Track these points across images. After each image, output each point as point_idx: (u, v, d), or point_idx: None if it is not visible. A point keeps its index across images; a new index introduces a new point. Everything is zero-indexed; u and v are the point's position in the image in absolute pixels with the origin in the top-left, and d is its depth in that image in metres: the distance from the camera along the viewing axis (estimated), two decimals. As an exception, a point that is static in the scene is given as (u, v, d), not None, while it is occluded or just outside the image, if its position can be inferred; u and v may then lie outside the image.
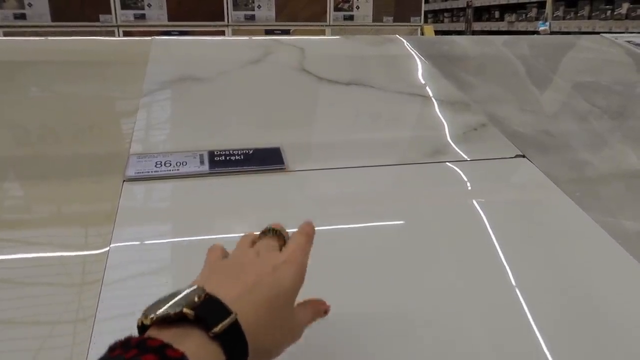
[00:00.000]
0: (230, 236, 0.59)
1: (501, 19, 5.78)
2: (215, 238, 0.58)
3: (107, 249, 0.54)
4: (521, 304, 0.52)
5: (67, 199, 0.64)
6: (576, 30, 4.32)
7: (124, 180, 0.66)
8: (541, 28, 4.30)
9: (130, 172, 0.67)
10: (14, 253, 0.55)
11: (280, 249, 0.39)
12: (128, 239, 0.57)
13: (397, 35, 1.27)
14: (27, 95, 0.89)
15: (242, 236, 0.41)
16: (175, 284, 0.52)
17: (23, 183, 0.68)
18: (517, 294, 0.53)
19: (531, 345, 0.48)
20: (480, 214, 0.65)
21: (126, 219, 0.60)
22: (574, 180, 0.74)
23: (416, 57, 1.14)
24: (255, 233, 0.41)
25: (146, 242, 0.57)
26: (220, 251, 0.40)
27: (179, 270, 0.53)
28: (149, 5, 2.82)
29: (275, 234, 0.40)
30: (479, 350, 0.47)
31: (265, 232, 0.40)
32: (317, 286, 0.52)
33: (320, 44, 1.21)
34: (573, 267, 0.58)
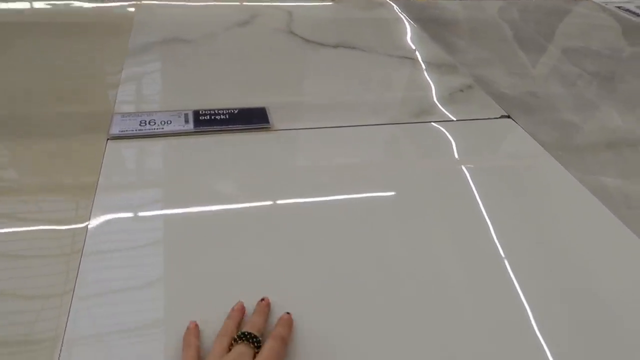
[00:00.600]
0: (217, 208, 0.59)
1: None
2: (201, 196, 0.59)
3: (89, 212, 0.54)
4: (502, 256, 0.53)
5: (51, 157, 0.64)
6: None
7: (108, 139, 0.66)
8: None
9: (114, 131, 0.67)
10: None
11: (254, 356, 0.38)
12: (111, 200, 0.57)
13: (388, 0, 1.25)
14: (12, 58, 0.87)
15: (218, 335, 0.40)
16: (158, 248, 0.52)
17: (6, 142, 0.67)
18: (497, 245, 0.54)
19: (509, 293, 0.49)
20: (464, 173, 0.66)
21: (110, 177, 0.60)
22: (557, 140, 0.74)
23: (405, 20, 1.13)
24: (231, 332, 0.41)
25: (130, 202, 0.57)
26: (196, 352, 0.39)
27: (163, 234, 0.53)
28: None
29: (250, 339, 0.39)
30: (463, 302, 0.48)
31: (240, 337, 0.39)
32: (305, 253, 0.53)
33: (308, 8, 1.19)
34: (553, 222, 0.59)
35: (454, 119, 0.76)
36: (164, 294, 0.46)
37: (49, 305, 0.45)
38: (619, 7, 1.31)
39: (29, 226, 0.53)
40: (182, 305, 0.45)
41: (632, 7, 1.30)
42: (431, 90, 0.84)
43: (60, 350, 0.41)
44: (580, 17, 1.31)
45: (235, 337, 0.40)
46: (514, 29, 1.16)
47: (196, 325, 0.42)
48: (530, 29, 1.17)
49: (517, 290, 0.50)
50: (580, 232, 0.58)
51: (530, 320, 0.47)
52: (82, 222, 0.53)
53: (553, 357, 0.44)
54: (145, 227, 0.53)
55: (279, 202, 0.58)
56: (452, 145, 0.71)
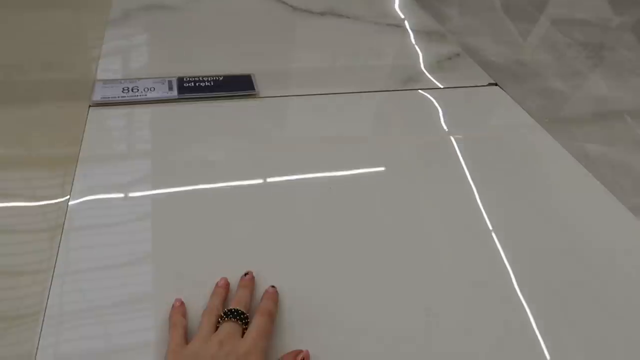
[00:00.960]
0: (202, 178, 0.59)
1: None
2: (186, 166, 0.58)
3: (70, 185, 0.53)
4: (487, 223, 0.53)
5: (33, 124, 0.62)
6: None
7: (90, 105, 0.65)
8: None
9: (97, 97, 0.66)
10: None
11: (243, 333, 0.38)
12: (93, 171, 0.56)
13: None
14: (-12, 24, 0.85)
15: (205, 313, 0.40)
16: (143, 222, 0.52)
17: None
18: (482, 213, 0.55)
19: (495, 258, 0.50)
20: (451, 141, 0.65)
21: (92, 146, 0.59)
22: (543, 106, 0.74)
23: (394, -11, 1.11)
24: (217, 309, 0.40)
25: (112, 173, 0.56)
26: (183, 330, 0.39)
27: (147, 208, 0.53)
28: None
29: (237, 316, 0.39)
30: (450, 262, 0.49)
31: (227, 314, 0.39)
32: (291, 225, 0.53)
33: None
34: (537, 185, 0.59)
35: (442, 87, 0.76)
36: (151, 269, 0.45)
37: (32, 281, 0.44)
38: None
39: (10, 202, 0.52)
40: (169, 279, 0.44)
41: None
42: (419, 58, 0.84)
43: (42, 325, 0.40)
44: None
45: (222, 314, 0.39)
46: (503, -2, 1.15)
47: (182, 303, 0.42)
48: (520, -2, 1.16)
49: (501, 254, 0.50)
50: (565, 198, 0.58)
51: (512, 282, 0.47)
52: (63, 196, 0.52)
53: (534, 318, 0.44)
54: (128, 200, 0.52)
55: (264, 172, 0.58)
56: (439, 113, 0.71)
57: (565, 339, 0.43)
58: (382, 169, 0.60)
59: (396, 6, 1.03)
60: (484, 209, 0.55)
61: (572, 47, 0.95)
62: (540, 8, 1.14)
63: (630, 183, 0.61)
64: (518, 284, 0.47)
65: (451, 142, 0.65)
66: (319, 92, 0.72)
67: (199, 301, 0.42)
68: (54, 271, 0.44)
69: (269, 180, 0.57)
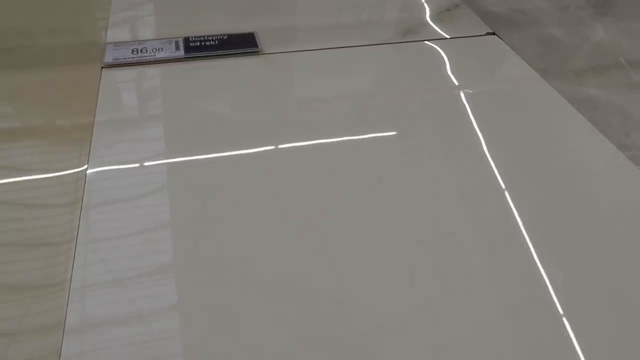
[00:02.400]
0: (214, 141, 0.62)
1: None
2: (198, 125, 0.61)
3: (87, 154, 0.55)
4: (496, 177, 0.56)
5: (47, 88, 0.66)
6: None
7: (102, 67, 0.68)
8: None
9: (108, 59, 0.69)
10: None
11: None
12: (110, 137, 0.58)
13: None
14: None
15: None
16: (162, 193, 0.55)
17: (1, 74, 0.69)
18: (486, 160, 0.58)
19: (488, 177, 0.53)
20: (448, 92, 0.68)
21: (107, 107, 0.62)
22: (539, 53, 0.76)
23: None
24: None
25: (128, 139, 0.58)
26: None
27: (164, 175, 0.56)
28: None
29: None
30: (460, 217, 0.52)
31: None
32: (303, 189, 0.55)
33: None
34: (532, 131, 0.62)
35: (438, 39, 0.78)
36: (170, 235, 0.47)
37: (56, 251, 0.46)
38: None
39: (29, 175, 0.54)
40: (189, 246, 0.47)
41: None
42: (418, 11, 0.85)
43: (69, 293, 0.43)
44: None
45: None
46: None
47: None
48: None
49: (513, 211, 0.53)
50: (554, 136, 0.61)
51: (522, 233, 0.51)
52: (81, 166, 0.54)
53: (543, 267, 0.48)
54: (145, 167, 0.55)
55: (272, 133, 0.60)
56: (436, 65, 0.73)
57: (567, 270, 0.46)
58: (388, 125, 0.63)
59: (397, -41, 1.03)
60: (491, 160, 0.58)
61: (573, -6, 0.95)
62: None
63: (619, 122, 0.64)
64: (526, 229, 0.50)
65: (448, 94, 0.67)
66: (321, 47, 0.74)
67: (220, 263, 0.46)
68: (76, 241, 0.46)
69: (276, 139, 0.59)
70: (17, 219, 0.49)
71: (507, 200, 0.52)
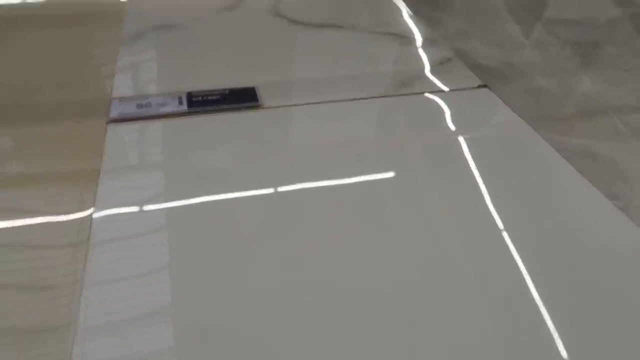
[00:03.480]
0: (215, 188, 0.64)
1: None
2: (199, 176, 0.63)
3: (93, 200, 0.58)
4: (495, 222, 0.58)
5: (54, 142, 0.68)
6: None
7: (107, 122, 0.71)
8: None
9: (113, 114, 0.72)
10: (4, 215, 0.57)
11: None
12: (115, 185, 0.61)
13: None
14: (11, 50, 0.91)
15: None
16: (163, 234, 0.57)
17: (8, 131, 0.71)
18: (492, 212, 0.60)
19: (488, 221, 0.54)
20: (446, 143, 0.70)
21: (112, 160, 0.64)
22: (529, 104, 0.79)
23: (389, -2, 1.16)
24: None
25: (133, 187, 0.61)
26: None
27: (166, 219, 0.58)
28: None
29: None
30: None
31: None
32: (304, 233, 0.57)
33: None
34: (522, 180, 0.64)
35: (433, 91, 0.81)
36: (170, 281, 0.49)
37: (59, 294, 0.47)
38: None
39: (35, 217, 0.56)
40: (189, 291, 0.48)
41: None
42: (412, 65, 0.89)
43: (74, 337, 0.43)
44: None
45: None
46: (496, 2, 1.20)
47: None
48: (512, 1, 1.21)
49: (508, 257, 0.55)
50: (545, 186, 0.63)
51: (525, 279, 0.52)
52: (87, 210, 0.56)
53: (548, 313, 0.49)
54: (148, 212, 0.57)
55: (272, 179, 0.62)
56: (430, 116, 0.75)
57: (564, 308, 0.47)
58: (386, 173, 0.65)
59: (391, 14, 1.08)
60: (486, 208, 0.60)
61: (558, 46, 1.00)
62: (532, 10, 1.18)
63: (608, 172, 0.66)
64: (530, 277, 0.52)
65: (443, 144, 0.70)
66: (320, 101, 0.77)
67: (220, 310, 0.47)
68: (80, 284, 0.48)
69: (276, 186, 0.61)
70: (23, 261, 0.50)
71: (501, 245, 0.54)
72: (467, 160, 0.67)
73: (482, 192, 0.62)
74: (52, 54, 0.89)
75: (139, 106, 0.73)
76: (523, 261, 0.53)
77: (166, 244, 0.53)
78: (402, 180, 0.63)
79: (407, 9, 1.11)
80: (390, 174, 0.64)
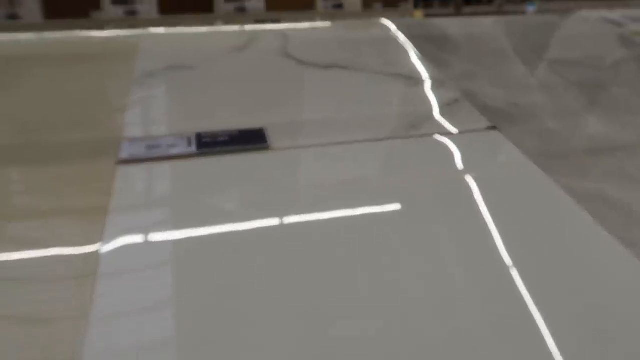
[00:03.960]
0: (222, 227, 0.64)
1: (490, 2, 5.79)
2: (207, 216, 0.63)
3: (101, 235, 0.58)
4: (504, 261, 0.57)
5: (63, 181, 0.68)
6: (564, 11, 4.34)
7: (117, 163, 0.71)
8: (530, 9, 4.32)
9: (123, 155, 0.72)
10: (12, 248, 0.58)
11: None
12: (123, 222, 0.61)
13: (382, 19, 1.31)
14: (23, 89, 0.93)
15: None
16: (169, 269, 0.57)
17: (18, 169, 0.72)
18: (500, 251, 0.59)
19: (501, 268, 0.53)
20: (454, 185, 0.70)
21: (121, 199, 0.64)
22: (538, 146, 0.78)
23: (398, 39, 1.18)
24: None
25: (141, 224, 0.61)
26: None
27: (173, 255, 0.58)
28: (140, 0, 2.85)
29: None
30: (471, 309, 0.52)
31: None
32: (311, 270, 0.57)
33: (304, 31, 1.25)
34: (534, 225, 0.63)
35: (443, 133, 0.81)
36: (176, 314, 0.49)
37: (64, 328, 0.47)
38: (604, 19, 1.36)
39: (42, 250, 0.56)
40: (194, 325, 0.48)
41: (616, 17, 1.35)
42: (420, 106, 0.89)
43: None
44: (567, 29, 1.36)
45: None
46: (503, 43, 1.21)
47: None
48: (518, 42, 1.22)
49: (521, 302, 0.54)
50: (558, 232, 0.62)
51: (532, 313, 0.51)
52: (94, 245, 0.57)
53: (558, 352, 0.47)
54: (156, 248, 0.57)
55: (280, 222, 0.62)
56: (440, 159, 0.75)
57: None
58: (394, 212, 0.64)
59: (399, 57, 1.10)
60: (502, 249, 0.59)
61: (565, 88, 1.00)
62: (537, 51, 1.20)
63: (622, 217, 0.65)
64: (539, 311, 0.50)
65: (453, 185, 0.69)
66: (329, 142, 0.78)
67: (224, 343, 0.46)
68: (87, 318, 0.48)
69: (283, 227, 0.61)
70: (27, 293, 0.51)
71: (511, 288, 0.53)
72: (477, 202, 0.66)
73: (493, 234, 0.61)
74: (64, 93, 0.91)
75: (149, 147, 0.73)
76: (535, 306, 0.51)
77: (172, 279, 0.53)
78: (412, 221, 0.62)
79: (414, 50, 1.12)
80: (400, 215, 0.63)
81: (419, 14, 3.18)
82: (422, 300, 0.52)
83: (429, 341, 0.48)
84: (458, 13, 5.18)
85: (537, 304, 0.52)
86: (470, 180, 0.71)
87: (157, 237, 0.59)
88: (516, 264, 0.57)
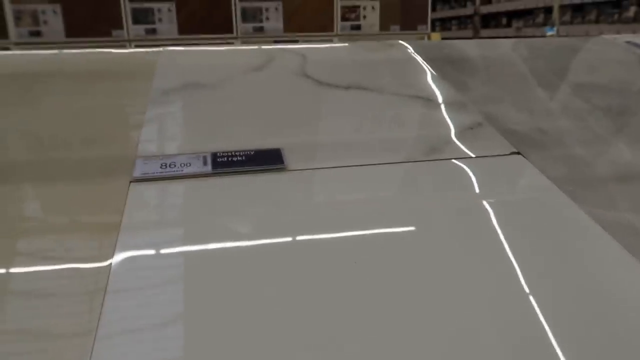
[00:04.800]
0: (235, 247, 0.62)
1: (509, 25, 5.79)
2: (220, 236, 0.61)
3: (112, 251, 0.57)
4: (528, 297, 0.54)
5: (76, 198, 0.67)
6: (583, 34, 4.33)
7: (130, 181, 0.69)
8: (548, 33, 4.30)
9: (137, 174, 0.70)
10: (23, 262, 0.58)
11: None
12: (135, 240, 0.60)
13: (400, 40, 1.30)
14: (39, 105, 0.93)
15: None
16: (180, 287, 0.55)
17: (32, 185, 0.71)
18: (521, 283, 0.55)
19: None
20: (475, 210, 0.67)
21: (133, 217, 0.63)
22: (565, 174, 0.75)
23: (417, 61, 1.16)
24: None
25: (153, 242, 0.60)
26: None
27: (184, 273, 0.56)
28: (160, 20, 2.90)
29: None
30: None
31: None
32: (323, 292, 0.55)
33: (322, 51, 1.24)
34: (562, 255, 0.60)
35: (464, 157, 0.78)
36: (184, 332, 0.48)
37: (73, 343, 0.46)
38: (628, 42, 1.33)
39: (54, 265, 0.56)
40: (203, 344, 0.47)
41: (639, 41, 1.32)
42: (441, 129, 0.87)
43: None
44: (589, 52, 1.33)
45: None
46: (524, 66, 1.19)
47: None
48: (540, 65, 1.20)
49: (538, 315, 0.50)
50: (592, 264, 0.59)
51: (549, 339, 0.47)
52: (105, 261, 0.56)
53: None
54: (167, 266, 0.56)
55: (295, 241, 0.61)
56: (463, 184, 0.73)
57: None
58: (412, 236, 0.62)
59: (418, 77, 1.08)
60: (522, 275, 0.56)
61: (591, 112, 0.97)
62: (559, 74, 1.17)
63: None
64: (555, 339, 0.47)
65: (475, 211, 0.67)
66: (347, 165, 0.75)
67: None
68: (96, 333, 0.47)
69: (297, 248, 0.59)
70: (36, 307, 0.50)
71: (534, 322, 0.49)
72: (502, 229, 0.63)
73: (516, 261, 0.57)
74: (80, 109, 0.90)
75: (163, 166, 0.72)
76: (559, 337, 0.48)
77: (182, 298, 0.51)
78: (432, 247, 0.59)
79: (434, 72, 1.10)
80: (419, 241, 0.60)
81: (436, 36, 3.18)
82: (435, 327, 0.49)
83: (453, 380, 0.45)
84: (476, 36, 5.19)
85: (560, 334, 0.49)
86: (495, 204, 0.68)
87: (168, 255, 0.57)
88: (537, 293, 0.54)
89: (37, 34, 2.79)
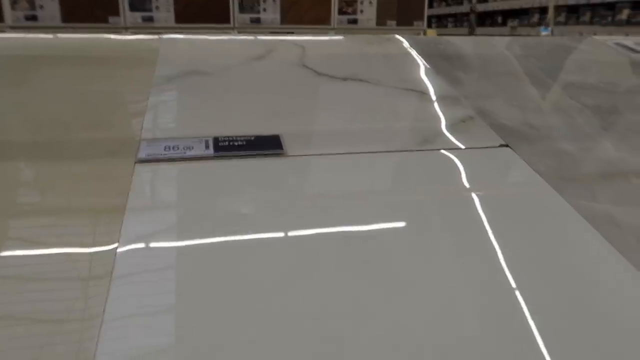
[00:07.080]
0: (235, 229, 0.64)
1: (504, 24, 5.84)
2: (221, 217, 0.64)
3: (118, 234, 0.59)
4: (510, 282, 0.58)
5: (81, 179, 0.69)
6: (577, 35, 4.38)
7: (135, 162, 0.72)
8: (543, 33, 4.35)
9: (142, 155, 0.73)
10: (24, 244, 0.58)
11: None
12: (140, 222, 0.62)
13: (396, 35, 1.33)
14: (41, 87, 0.94)
15: None
16: (183, 270, 0.57)
17: (35, 167, 0.73)
18: (504, 271, 0.59)
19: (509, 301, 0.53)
20: (463, 200, 0.70)
21: (138, 198, 0.65)
22: (552, 167, 0.79)
23: (413, 55, 1.19)
24: None
25: (158, 224, 0.62)
26: None
27: (188, 256, 0.59)
28: (157, 8, 2.90)
29: None
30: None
31: None
32: (316, 281, 0.57)
33: (320, 43, 1.27)
34: (546, 246, 0.63)
35: (455, 148, 0.82)
36: (188, 316, 0.49)
37: (79, 328, 0.47)
38: (617, 44, 1.37)
39: (59, 249, 0.57)
40: (207, 327, 0.48)
41: (630, 43, 1.36)
42: (434, 121, 0.90)
43: None
44: (580, 53, 1.37)
45: None
46: (516, 64, 1.23)
47: None
48: (532, 64, 1.24)
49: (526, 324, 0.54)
50: (571, 252, 0.62)
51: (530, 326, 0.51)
52: (111, 244, 0.57)
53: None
54: (171, 250, 0.58)
55: (289, 228, 0.63)
56: (453, 173, 0.76)
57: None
58: (401, 224, 0.65)
59: (414, 71, 1.11)
60: (494, 265, 0.59)
61: (580, 110, 1.01)
62: (550, 72, 1.21)
63: (635, 240, 0.65)
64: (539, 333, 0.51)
65: (462, 200, 0.70)
66: (341, 152, 0.79)
67: (230, 348, 0.47)
68: (102, 317, 0.48)
69: (292, 233, 0.62)
70: (40, 291, 0.51)
71: (517, 312, 0.53)
72: (488, 220, 0.66)
73: (502, 250, 0.61)
74: (85, 93, 0.92)
75: (167, 148, 0.75)
76: (543, 329, 0.52)
77: (186, 281, 0.53)
78: (420, 235, 0.63)
79: (428, 66, 1.14)
80: (407, 228, 0.64)
81: (432, 33, 3.21)
82: (424, 316, 0.52)
83: (428, 354, 0.48)
84: (472, 33, 5.23)
85: (544, 326, 0.52)
86: (481, 195, 0.71)
87: (171, 239, 0.59)
88: (523, 283, 0.57)
89: (33, 18, 2.78)
